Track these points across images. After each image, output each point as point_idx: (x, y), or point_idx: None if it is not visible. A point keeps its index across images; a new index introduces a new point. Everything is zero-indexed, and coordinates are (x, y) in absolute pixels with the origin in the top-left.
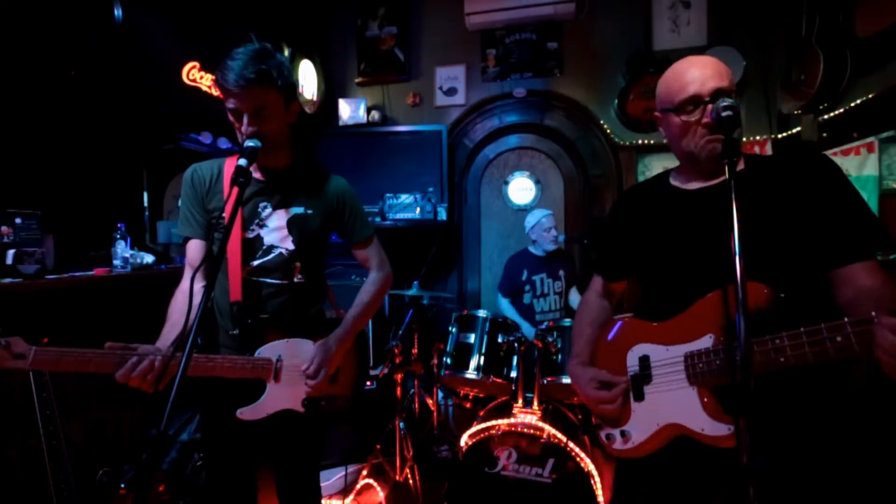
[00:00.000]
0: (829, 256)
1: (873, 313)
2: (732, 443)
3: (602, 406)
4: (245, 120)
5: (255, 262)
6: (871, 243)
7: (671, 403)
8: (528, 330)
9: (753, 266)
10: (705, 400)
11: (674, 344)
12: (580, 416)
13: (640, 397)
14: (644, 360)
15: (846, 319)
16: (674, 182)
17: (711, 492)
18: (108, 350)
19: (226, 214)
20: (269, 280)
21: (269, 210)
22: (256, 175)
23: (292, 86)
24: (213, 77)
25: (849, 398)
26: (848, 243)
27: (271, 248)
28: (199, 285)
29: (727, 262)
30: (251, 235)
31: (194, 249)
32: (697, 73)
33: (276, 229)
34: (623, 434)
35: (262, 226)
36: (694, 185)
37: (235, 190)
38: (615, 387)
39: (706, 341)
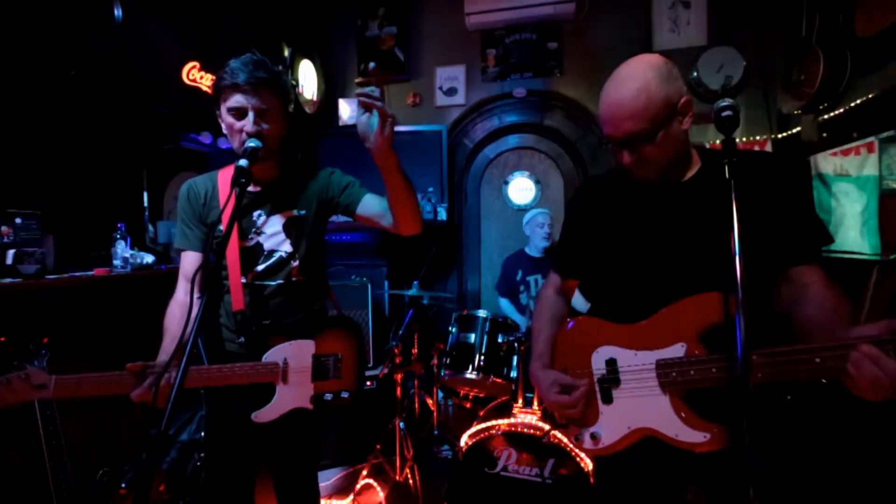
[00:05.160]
0: (780, 258)
1: (852, 340)
2: (707, 448)
3: (564, 411)
4: (250, 117)
5: (259, 268)
6: (818, 246)
7: (642, 408)
8: (526, 325)
9: (710, 275)
10: (680, 408)
11: (642, 349)
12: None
13: (608, 400)
14: (611, 364)
15: (827, 344)
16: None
17: (685, 481)
18: (127, 371)
19: (224, 217)
20: (270, 283)
21: (263, 217)
22: (250, 187)
23: (290, 98)
24: (214, 77)
25: (839, 400)
26: (799, 246)
27: (272, 252)
28: (196, 296)
29: (693, 266)
30: (251, 244)
31: (190, 261)
32: (607, 114)
33: (273, 234)
34: (593, 436)
35: (259, 233)
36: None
37: (234, 194)
38: (576, 390)
39: (678, 350)
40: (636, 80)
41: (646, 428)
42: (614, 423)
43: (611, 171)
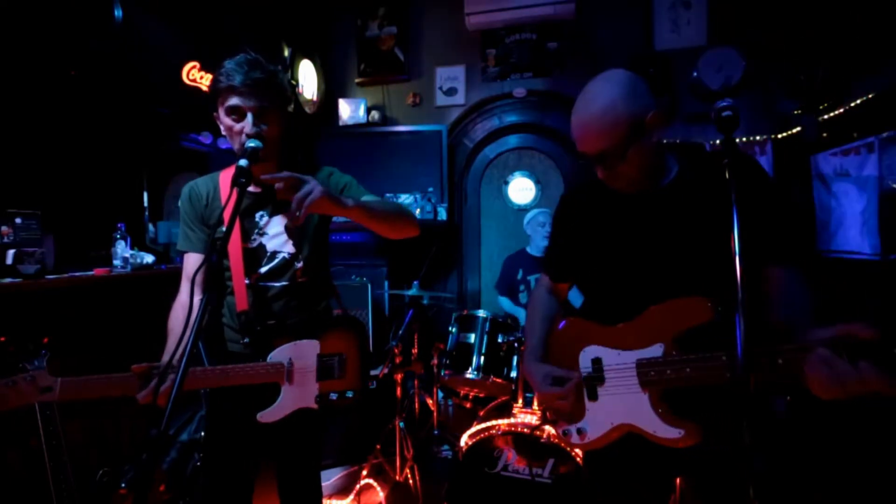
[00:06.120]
0: (756, 256)
1: (810, 343)
2: (683, 444)
3: (555, 402)
4: (249, 118)
5: (263, 270)
6: (795, 245)
7: (624, 405)
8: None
9: (689, 276)
10: (657, 405)
11: (625, 349)
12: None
13: (593, 397)
14: (597, 363)
15: (788, 346)
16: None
17: (673, 477)
18: (132, 373)
19: (225, 216)
20: (275, 284)
21: (266, 218)
22: (251, 188)
23: (288, 97)
24: (211, 78)
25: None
26: (774, 244)
27: (275, 253)
28: (198, 298)
29: (671, 270)
30: (253, 245)
31: (192, 263)
32: (577, 133)
33: (276, 235)
34: (579, 431)
35: (262, 234)
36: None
37: (234, 193)
38: (567, 383)
39: (656, 350)
40: (603, 99)
41: (627, 424)
42: (599, 419)
43: (593, 180)
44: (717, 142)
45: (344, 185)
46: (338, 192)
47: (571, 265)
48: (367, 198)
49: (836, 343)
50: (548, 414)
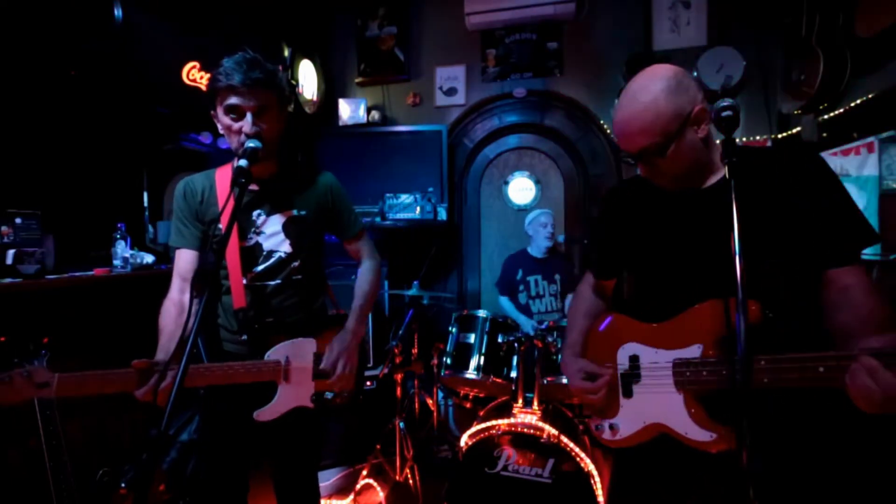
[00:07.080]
0: (816, 260)
1: (856, 351)
2: (714, 448)
3: (587, 396)
4: (248, 118)
5: (259, 269)
6: (858, 247)
7: (658, 404)
8: (526, 324)
9: (730, 277)
10: (690, 406)
11: (663, 348)
12: (576, 412)
13: (628, 394)
14: (634, 360)
15: (831, 353)
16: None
17: (700, 475)
18: (132, 369)
19: (223, 217)
20: (270, 283)
21: (263, 217)
22: (249, 185)
23: (287, 96)
24: (210, 77)
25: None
26: (836, 247)
27: (271, 253)
28: (193, 295)
29: (714, 271)
30: (250, 244)
31: (185, 260)
32: (619, 129)
33: (272, 234)
34: (612, 427)
35: (258, 233)
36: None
37: (233, 195)
38: (599, 378)
39: (694, 350)
40: (645, 94)
41: (659, 424)
42: (632, 417)
43: (637, 178)
44: (718, 142)
45: (348, 210)
46: (339, 213)
47: (614, 262)
48: (367, 264)
49: (885, 354)
50: (584, 410)
